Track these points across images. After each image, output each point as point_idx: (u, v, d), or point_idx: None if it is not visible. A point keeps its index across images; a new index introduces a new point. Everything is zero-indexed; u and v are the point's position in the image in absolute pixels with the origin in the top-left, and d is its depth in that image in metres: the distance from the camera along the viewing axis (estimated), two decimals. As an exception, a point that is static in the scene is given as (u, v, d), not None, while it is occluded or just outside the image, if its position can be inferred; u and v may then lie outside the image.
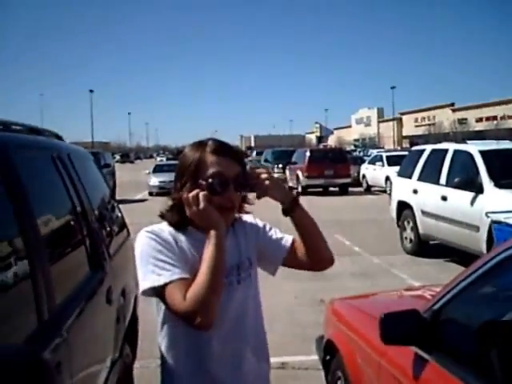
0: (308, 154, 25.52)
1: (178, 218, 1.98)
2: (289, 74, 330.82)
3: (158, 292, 1.87)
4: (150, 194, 26.94)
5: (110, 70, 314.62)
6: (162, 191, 26.44)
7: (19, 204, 2.20)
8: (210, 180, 1.91)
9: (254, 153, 53.50)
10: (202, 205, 1.88)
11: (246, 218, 2.20)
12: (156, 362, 5.38)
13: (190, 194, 1.89)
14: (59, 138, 3.95)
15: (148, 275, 1.87)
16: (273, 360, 5.32)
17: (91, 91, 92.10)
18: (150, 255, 1.88)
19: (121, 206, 20.17)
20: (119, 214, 4.71)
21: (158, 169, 29.52)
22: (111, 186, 24.76)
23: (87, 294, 2.79)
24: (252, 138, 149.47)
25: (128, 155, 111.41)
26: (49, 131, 3.75)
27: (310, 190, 24.63)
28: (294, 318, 6.89)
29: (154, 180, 27.38)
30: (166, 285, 1.84)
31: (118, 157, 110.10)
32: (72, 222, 3.01)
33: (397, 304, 3.65)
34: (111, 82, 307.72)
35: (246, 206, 2.11)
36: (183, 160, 2.00)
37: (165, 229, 1.98)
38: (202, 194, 1.89)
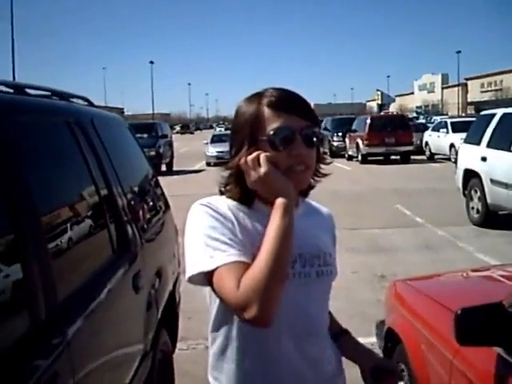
0: (368, 121, 24.76)
1: (238, 189, 1.58)
2: (350, 41, 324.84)
3: (209, 279, 1.46)
4: (208, 164, 26.78)
5: (170, 41, 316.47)
6: (219, 161, 26.27)
7: (10, 173, 1.84)
8: (272, 133, 1.51)
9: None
10: (263, 168, 1.48)
11: (322, 208, 1.86)
12: (204, 343, 5.16)
13: (249, 157, 1.50)
14: (90, 103, 3.60)
15: (197, 258, 1.47)
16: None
17: (151, 62, 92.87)
18: (203, 233, 1.48)
19: (177, 176, 20.62)
20: (158, 188, 4.32)
21: (215, 139, 29.27)
22: (169, 156, 24.82)
23: (105, 282, 2.41)
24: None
25: (188, 126, 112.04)
26: (77, 96, 3.40)
27: (370, 158, 23.94)
28: (352, 294, 6.42)
29: (212, 150, 27.17)
30: (217, 269, 1.43)
31: (178, 128, 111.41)
32: (87, 196, 2.62)
33: (469, 289, 3.17)
34: (171, 53, 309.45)
35: (322, 168, 1.68)
36: (237, 119, 1.61)
37: (223, 202, 1.58)
38: (263, 155, 1.50)
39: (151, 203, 4.00)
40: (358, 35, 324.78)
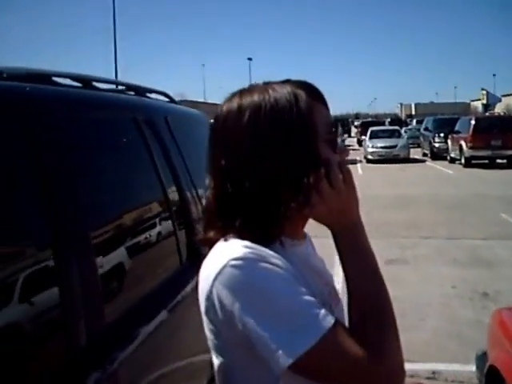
0: (473, 122, 23.44)
1: (287, 224, 1.12)
2: (454, 37, 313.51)
3: (308, 357, 0.98)
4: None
5: (267, 38, 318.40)
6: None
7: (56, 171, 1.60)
8: (333, 132, 1.16)
9: (414, 121, 51.16)
10: (351, 182, 1.14)
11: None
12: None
13: (335, 171, 1.10)
14: (170, 98, 3.37)
15: (298, 326, 0.99)
16: (421, 367, 4.70)
17: (249, 59, 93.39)
18: (284, 291, 1.01)
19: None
20: None
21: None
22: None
23: (171, 298, 2.14)
24: (412, 106, 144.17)
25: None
26: (156, 91, 3.17)
27: (474, 161, 22.68)
28: (450, 312, 5.89)
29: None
30: (330, 332, 0.99)
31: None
32: (153, 201, 2.35)
33: None
34: (269, 50, 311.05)
35: None
36: (273, 118, 1.09)
37: (261, 250, 1.05)
38: (348, 169, 1.14)
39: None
40: (463, 31, 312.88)
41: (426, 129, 29.55)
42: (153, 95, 3.06)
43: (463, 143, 23.23)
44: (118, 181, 2.08)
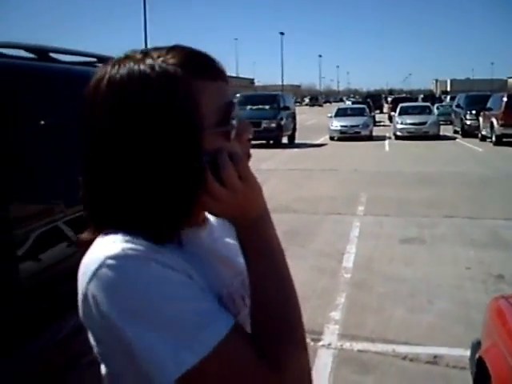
0: (505, 99, 22.79)
1: (168, 214, 0.91)
2: (491, 14, 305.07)
3: (197, 371, 0.83)
4: (331, 138, 26.15)
5: (300, 12, 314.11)
6: (342, 136, 25.63)
7: None
8: (234, 116, 0.92)
9: (448, 98, 50.13)
10: (249, 177, 0.91)
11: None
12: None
13: (229, 170, 0.88)
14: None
15: (184, 332, 0.83)
16: (423, 350, 4.58)
17: (282, 34, 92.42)
18: (167, 293, 0.85)
19: (297, 150, 20.54)
20: None
21: (340, 112, 28.50)
22: (291, 128, 24.50)
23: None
24: (448, 82, 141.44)
25: (317, 98, 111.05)
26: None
27: (505, 139, 22.11)
28: (460, 294, 5.73)
29: (336, 124, 26.49)
30: (222, 342, 0.84)
31: (307, 100, 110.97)
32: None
33: None
34: (302, 25, 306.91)
35: None
36: (142, 105, 0.86)
37: (141, 245, 0.88)
38: (244, 159, 0.92)
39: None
40: (502, 6, 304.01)
41: (458, 106, 28.87)
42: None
43: (494, 121, 22.66)
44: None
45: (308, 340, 3.65)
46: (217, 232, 1.09)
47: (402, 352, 4.41)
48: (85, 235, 0.96)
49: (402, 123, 26.21)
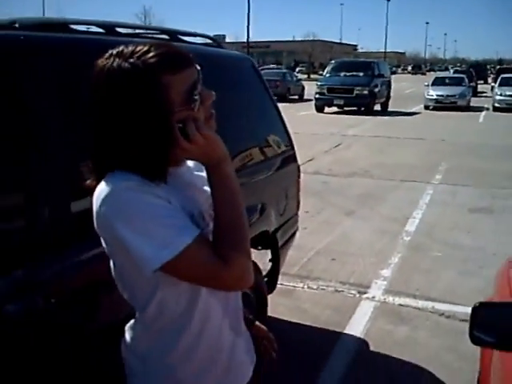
0: None
1: (156, 167, 1.34)
2: None
3: (171, 264, 1.28)
4: (426, 107, 25.66)
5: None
6: (438, 105, 25.11)
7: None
8: (190, 97, 1.31)
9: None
10: (207, 135, 1.32)
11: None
12: (336, 286, 5.13)
13: (193, 131, 1.30)
14: (215, 42, 3.65)
15: (161, 241, 1.27)
16: (461, 309, 4.78)
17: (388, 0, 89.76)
18: (152, 212, 1.28)
19: (388, 117, 20.22)
20: (280, 140, 4.14)
21: (437, 81, 27.77)
22: (384, 96, 24.28)
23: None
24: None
25: (420, 67, 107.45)
26: (197, 34, 3.47)
27: None
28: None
29: (432, 93, 25.93)
30: (187, 248, 1.28)
31: (409, 68, 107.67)
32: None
33: None
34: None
35: None
36: (124, 100, 1.27)
37: (134, 179, 1.31)
38: (201, 122, 1.33)
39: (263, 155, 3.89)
40: None
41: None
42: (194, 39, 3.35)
43: None
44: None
45: (354, 292, 4.15)
46: (193, 168, 1.53)
47: (440, 309, 4.66)
48: (89, 182, 1.40)
49: (501, 94, 25.16)
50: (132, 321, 1.53)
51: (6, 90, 1.90)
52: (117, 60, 1.29)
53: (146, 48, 1.29)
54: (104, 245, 1.40)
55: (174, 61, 1.30)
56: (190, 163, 1.53)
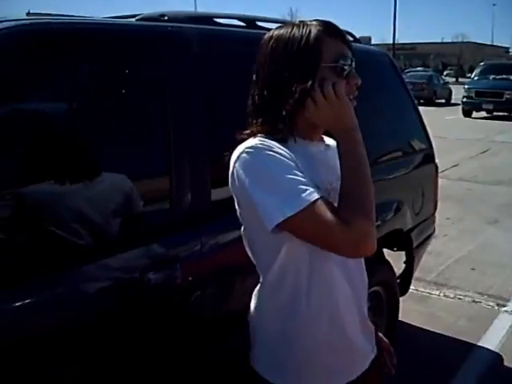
0: None
1: (290, 126, 1.47)
2: None
3: (292, 223, 1.34)
4: None
5: None
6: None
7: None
8: (342, 61, 1.46)
9: None
10: (343, 99, 1.42)
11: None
12: (473, 296, 4.91)
13: (327, 89, 1.41)
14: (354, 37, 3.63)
15: (286, 196, 1.34)
16: None
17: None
18: (280, 171, 1.36)
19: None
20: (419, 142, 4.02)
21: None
22: None
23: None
24: None
25: None
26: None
27: None
28: None
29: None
30: (311, 204, 1.33)
31: None
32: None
33: None
34: None
35: None
36: (286, 48, 1.46)
37: (271, 143, 1.42)
38: (341, 85, 1.44)
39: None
40: None
41: None
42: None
43: None
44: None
45: (492, 304, 4.01)
46: (331, 151, 1.58)
47: None
48: (245, 132, 1.51)
49: None
50: (258, 287, 1.59)
51: (154, 78, 2.06)
52: (286, 26, 1.50)
53: (314, 20, 1.50)
54: (237, 207, 1.50)
55: (333, 29, 1.48)
56: (330, 143, 1.61)
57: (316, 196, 1.33)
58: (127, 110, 2.01)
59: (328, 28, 1.47)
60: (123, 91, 1.99)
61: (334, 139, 1.50)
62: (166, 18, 2.29)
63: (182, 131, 2.07)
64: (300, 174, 1.36)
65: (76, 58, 1.88)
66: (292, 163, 1.38)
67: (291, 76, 1.43)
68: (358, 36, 3.82)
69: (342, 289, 1.52)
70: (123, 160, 1.97)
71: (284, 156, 1.38)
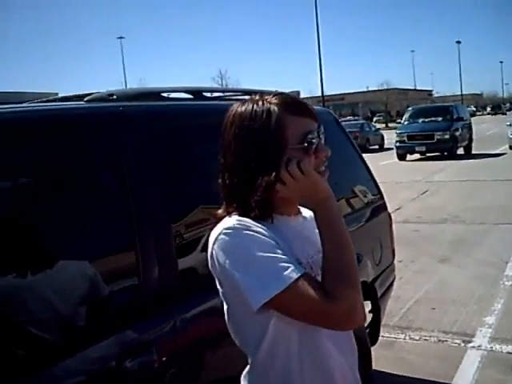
0: None
1: (266, 205, 1.44)
2: None
3: (277, 301, 1.33)
4: (511, 147, 24.79)
5: (477, 19, 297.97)
6: (523, 144, 24.23)
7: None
8: (308, 139, 1.45)
9: None
10: (313, 176, 1.42)
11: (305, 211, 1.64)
12: (438, 336, 4.95)
13: (292, 168, 1.41)
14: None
15: (269, 276, 1.33)
16: None
17: (458, 42, 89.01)
18: (261, 251, 1.35)
19: (474, 160, 19.72)
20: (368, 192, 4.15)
21: (520, 120, 26.90)
22: (466, 139, 23.78)
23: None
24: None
25: (499, 106, 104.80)
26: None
27: None
28: None
29: (515, 132, 25.04)
30: (295, 282, 1.32)
31: (488, 109, 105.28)
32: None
33: None
34: (479, 31, 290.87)
35: None
36: (248, 128, 1.44)
37: (248, 222, 1.42)
38: (306, 160, 1.43)
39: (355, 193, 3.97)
40: None
41: None
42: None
43: None
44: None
45: (458, 341, 4.08)
46: (309, 223, 1.56)
47: (554, 356, 4.40)
48: (219, 212, 1.51)
49: None
50: (246, 368, 1.54)
51: (110, 158, 2.06)
52: (247, 103, 1.48)
53: (272, 95, 1.48)
54: (218, 286, 1.47)
55: (295, 107, 1.47)
56: (307, 214, 1.60)
57: (299, 273, 1.33)
58: (83, 193, 1.99)
59: (289, 106, 1.46)
60: (76, 176, 1.98)
61: (311, 209, 1.49)
62: (114, 97, 2.31)
63: (141, 206, 2.06)
64: (280, 251, 1.36)
65: (23, 147, 1.83)
66: (271, 241, 1.38)
67: (257, 168, 1.42)
68: (287, 91, 3.93)
69: (336, 361, 1.49)
70: (84, 244, 1.92)
71: (263, 234, 1.38)
